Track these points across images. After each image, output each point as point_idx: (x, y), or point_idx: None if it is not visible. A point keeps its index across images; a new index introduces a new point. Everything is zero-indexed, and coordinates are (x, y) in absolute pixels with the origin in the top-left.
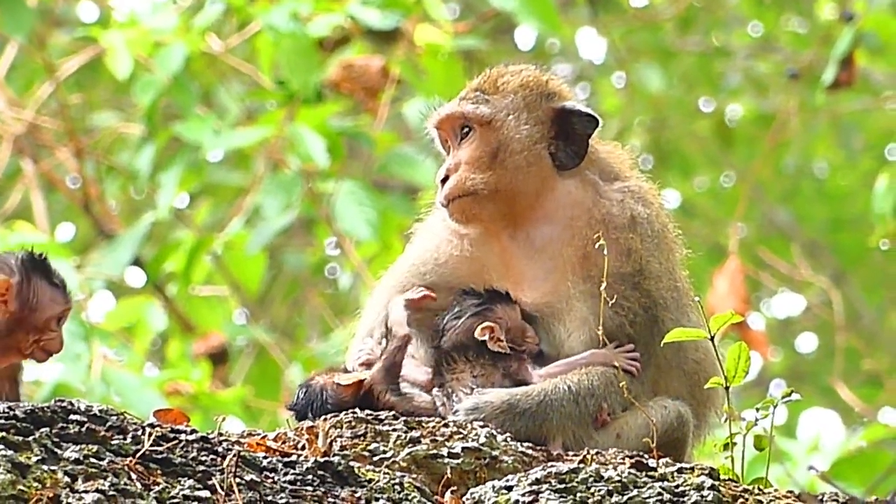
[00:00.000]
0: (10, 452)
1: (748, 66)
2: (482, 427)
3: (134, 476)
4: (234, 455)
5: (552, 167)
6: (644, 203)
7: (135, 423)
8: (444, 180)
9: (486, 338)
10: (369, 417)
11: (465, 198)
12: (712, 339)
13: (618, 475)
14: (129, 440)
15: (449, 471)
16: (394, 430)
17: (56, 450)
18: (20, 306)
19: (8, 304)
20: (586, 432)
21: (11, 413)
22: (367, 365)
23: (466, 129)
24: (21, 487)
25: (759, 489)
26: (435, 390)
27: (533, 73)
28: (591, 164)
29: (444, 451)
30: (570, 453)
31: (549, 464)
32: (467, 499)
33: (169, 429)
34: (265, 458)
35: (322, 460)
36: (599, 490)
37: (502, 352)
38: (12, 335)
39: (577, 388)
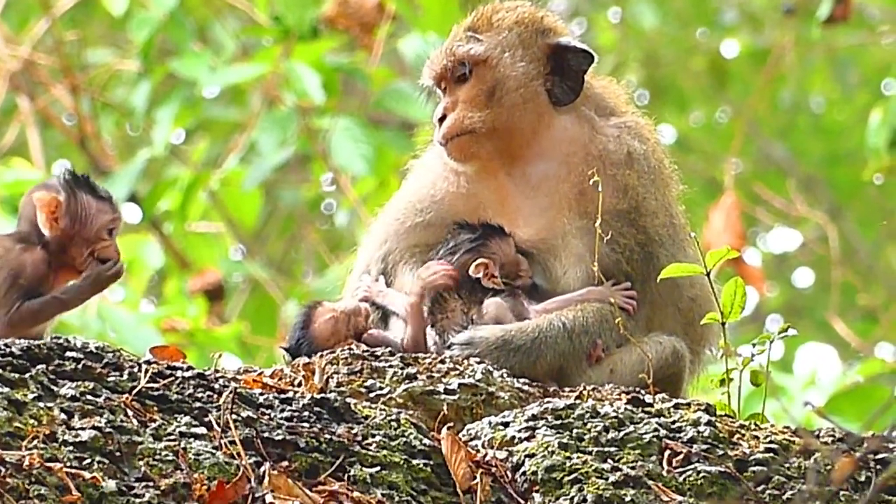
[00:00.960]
0: (6, 389)
1: (743, 2)
2: (478, 363)
3: (130, 413)
4: (231, 392)
5: (548, 103)
6: (640, 139)
7: (131, 360)
8: (441, 119)
9: (480, 275)
10: (366, 354)
11: (463, 136)
12: (708, 274)
13: (614, 411)
14: (125, 377)
15: (445, 407)
16: (390, 366)
17: (52, 387)
18: (71, 221)
19: (59, 220)
20: (580, 368)
21: (8, 350)
22: (365, 300)
23: (462, 70)
24: (17, 424)
25: (756, 425)
26: (428, 329)
27: (527, 9)
28: (587, 99)
29: (441, 388)
30: (567, 389)
31: (546, 400)
32: (463, 435)
33: (165, 365)
34: (261, 394)
35: (318, 397)
36: (596, 426)
37: (497, 288)
38: (67, 252)
39: (572, 324)
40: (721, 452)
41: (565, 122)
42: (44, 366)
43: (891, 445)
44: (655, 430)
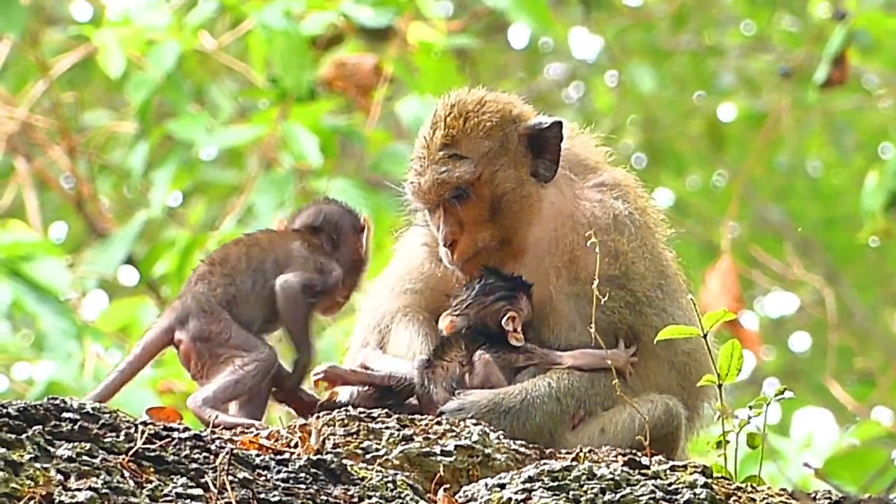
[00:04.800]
0: (2, 450)
1: (741, 65)
2: (475, 425)
3: (127, 474)
4: (227, 453)
5: (536, 184)
6: (623, 197)
7: (127, 421)
8: (450, 244)
9: (509, 328)
10: (362, 415)
11: (477, 255)
12: (705, 336)
13: (611, 473)
14: (121, 438)
15: (442, 468)
16: (386, 427)
17: (49, 447)
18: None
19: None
20: (568, 430)
21: (4, 411)
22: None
23: (458, 192)
24: (14, 485)
25: (752, 487)
26: (417, 361)
27: (494, 104)
28: (563, 160)
29: (437, 449)
30: (563, 451)
31: (542, 461)
32: (460, 496)
33: (162, 426)
34: (258, 455)
35: (315, 458)
36: (592, 488)
37: (518, 344)
38: (345, 283)
39: (557, 385)
40: None
41: (551, 195)
42: (40, 426)
43: None
44: (652, 492)
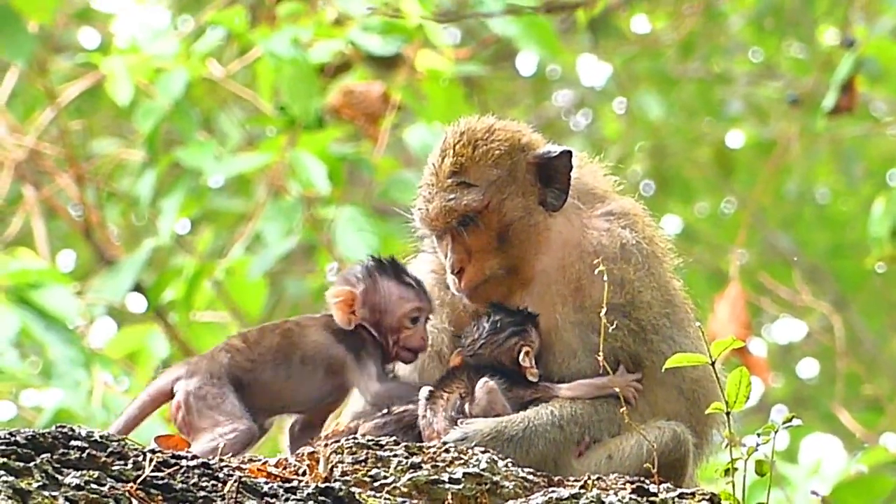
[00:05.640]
0: (11, 478)
1: (749, 93)
2: (483, 452)
3: (135, 502)
4: (235, 481)
5: (544, 213)
6: (630, 226)
7: (136, 449)
8: (458, 272)
9: (527, 364)
10: (370, 443)
11: (484, 283)
12: (713, 364)
13: (619, 501)
14: (129, 466)
15: (450, 496)
16: (394, 455)
17: (57, 475)
18: (371, 312)
19: (356, 313)
20: (573, 458)
21: (12, 439)
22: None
23: (466, 220)
24: None
25: None
26: (422, 393)
27: (502, 132)
28: (571, 189)
29: (445, 477)
30: (571, 479)
31: (551, 489)
32: None
33: (170, 455)
34: (266, 483)
35: (323, 486)
36: None
37: (533, 378)
38: (379, 337)
39: (560, 413)
40: None
41: (559, 225)
42: (48, 454)
43: None
44: None
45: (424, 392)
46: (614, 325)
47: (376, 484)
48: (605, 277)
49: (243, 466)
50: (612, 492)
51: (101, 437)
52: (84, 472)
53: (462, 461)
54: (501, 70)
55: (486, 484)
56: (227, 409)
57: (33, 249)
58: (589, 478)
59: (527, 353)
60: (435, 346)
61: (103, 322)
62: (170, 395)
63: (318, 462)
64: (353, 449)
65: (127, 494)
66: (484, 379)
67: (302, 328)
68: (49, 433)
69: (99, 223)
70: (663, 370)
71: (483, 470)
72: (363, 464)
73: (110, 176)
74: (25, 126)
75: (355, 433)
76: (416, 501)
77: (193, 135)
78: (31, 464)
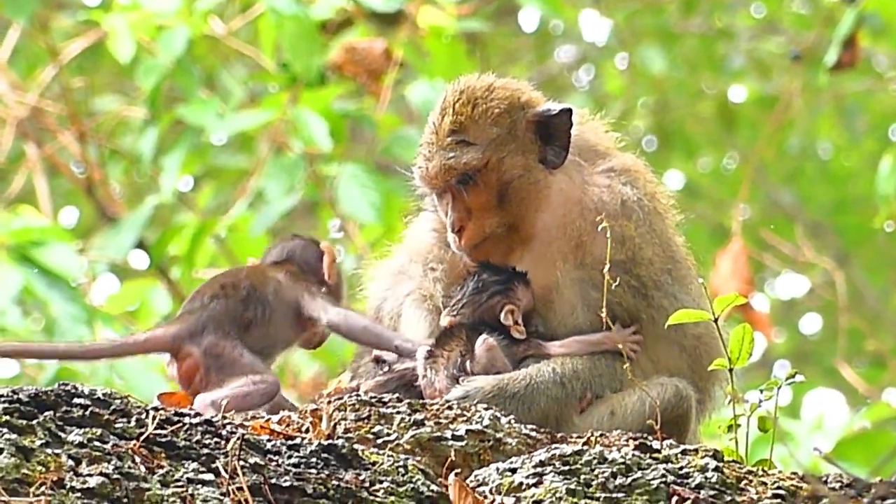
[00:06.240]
0: (14, 436)
1: (751, 48)
2: (486, 409)
3: (138, 459)
4: (238, 438)
5: (544, 171)
6: (631, 183)
7: (138, 407)
8: (458, 230)
9: (510, 322)
10: (373, 400)
11: (485, 241)
12: (716, 320)
13: (622, 457)
14: (132, 423)
15: (453, 453)
16: (397, 412)
17: (60, 433)
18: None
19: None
20: (575, 414)
21: (15, 397)
22: (375, 360)
23: (465, 178)
24: (25, 471)
25: (763, 470)
26: (421, 352)
27: (502, 90)
28: (572, 146)
29: (448, 434)
30: (574, 435)
31: (553, 446)
32: (471, 481)
33: (173, 412)
34: (269, 441)
35: (326, 443)
36: (603, 472)
37: (520, 337)
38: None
39: (562, 370)
40: (729, 498)
41: (560, 181)
42: (51, 412)
43: None
44: (663, 475)
45: (423, 352)
46: (616, 282)
47: (379, 441)
48: (608, 234)
49: (246, 424)
50: (614, 448)
51: (103, 394)
52: (87, 429)
53: (465, 418)
54: (503, 26)
55: (488, 441)
56: (247, 362)
57: (35, 207)
58: (592, 434)
59: (511, 312)
60: (436, 303)
61: (105, 279)
62: (160, 349)
63: (321, 419)
64: (356, 406)
65: (130, 452)
66: (483, 336)
67: (261, 269)
68: (52, 391)
69: (101, 180)
70: (665, 327)
71: (486, 427)
72: (366, 421)
73: (112, 133)
74: (27, 83)
75: (358, 390)
76: (418, 458)
77: (195, 92)
78: (34, 421)
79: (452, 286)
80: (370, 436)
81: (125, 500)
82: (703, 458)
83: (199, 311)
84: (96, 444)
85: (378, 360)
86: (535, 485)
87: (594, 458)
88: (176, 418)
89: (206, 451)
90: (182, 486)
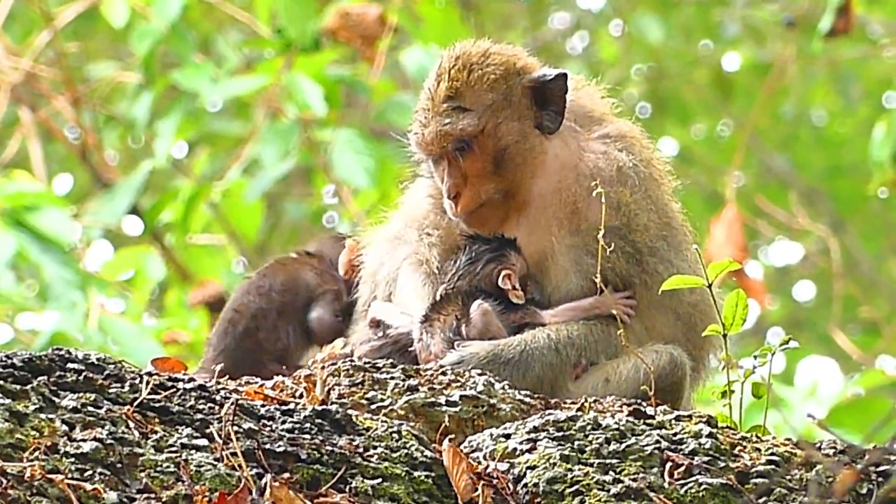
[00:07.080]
0: (7, 401)
1: (746, 15)
2: (480, 375)
3: (132, 424)
4: (232, 403)
5: (540, 136)
6: (627, 149)
7: (132, 372)
8: (454, 196)
9: (508, 287)
10: (367, 366)
11: (481, 208)
12: (710, 286)
13: (616, 423)
14: (126, 388)
15: (447, 419)
16: (391, 378)
17: (54, 398)
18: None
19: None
20: (569, 381)
21: (9, 361)
22: (373, 324)
23: (461, 145)
24: (19, 436)
25: (757, 437)
26: (417, 320)
27: (498, 56)
28: (568, 112)
29: (442, 399)
30: (568, 401)
31: (547, 412)
32: (465, 446)
33: (167, 377)
34: (263, 406)
35: (320, 408)
36: (597, 438)
37: (519, 301)
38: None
39: (557, 336)
40: (722, 464)
41: (556, 148)
42: (45, 377)
43: (892, 457)
44: (657, 442)
45: (419, 316)
46: (611, 248)
47: (373, 406)
48: (597, 203)
49: (240, 389)
50: (608, 414)
51: (97, 359)
52: (81, 394)
53: (459, 384)
54: None
55: (482, 406)
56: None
57: (30, 172)
58: (586, 400)
59: (507, 276)
60: (432, 268)
61: (100, 245)
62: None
63: (314, 384)
64: (350, 371)
65: (124, 417)
66: (478, 301)
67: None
68: (45, 356)
69: (95, 146)
70: (660, 292)
71: (480, 393)
72: (360, 386)
73: (107, 98)
74: (22, 49)
75: (352, 356)
76: (412, 424)
77: (190, 57)
78: (28, 386)
79: (448, 252)
80: (364, 401)
81: (119, 466)
82: (696, 424)
83: (320, 278)
84: (90, 408)
85: (376, 324)
86: (529, 451)
87: (588, 424)
88: (170, 383)
89: (199, 416)
90: (176, 452)
